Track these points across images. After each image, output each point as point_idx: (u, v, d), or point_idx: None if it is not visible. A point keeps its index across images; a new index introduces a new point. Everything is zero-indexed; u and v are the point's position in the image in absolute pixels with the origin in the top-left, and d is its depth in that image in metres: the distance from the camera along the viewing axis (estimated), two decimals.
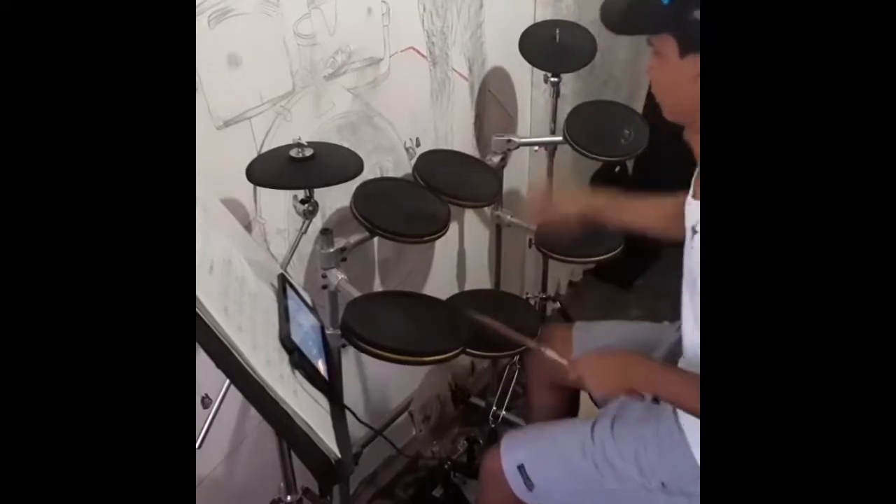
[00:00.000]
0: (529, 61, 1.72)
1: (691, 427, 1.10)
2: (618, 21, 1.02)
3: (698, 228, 0.99)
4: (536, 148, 1.87)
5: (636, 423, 1.17)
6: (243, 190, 1.27)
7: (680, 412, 1.12)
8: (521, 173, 2.15)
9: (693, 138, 1.00)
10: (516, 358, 1.88)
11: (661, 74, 0.97)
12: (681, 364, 1.17)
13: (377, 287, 1.71)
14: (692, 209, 1.05)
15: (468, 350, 1.21)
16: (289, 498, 1.07)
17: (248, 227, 1.31)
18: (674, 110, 1.00)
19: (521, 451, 1.24)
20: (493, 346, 1.41)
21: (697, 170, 1.05)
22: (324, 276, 1.24)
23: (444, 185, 1.47)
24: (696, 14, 0.87)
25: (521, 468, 1.21)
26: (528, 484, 1.20)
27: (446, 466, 1.78)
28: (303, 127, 1.34)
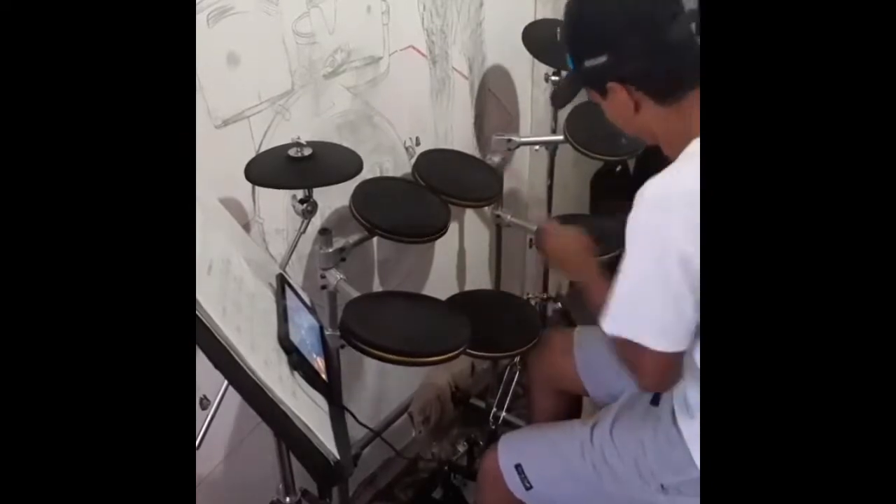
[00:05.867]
0: (534, 55, 1.71)
1: (690, 429, 1.10)
2: (560, 97, 1.21)
3: None
4: (537, 147, 1.87)
5: (635, 426, 1.17)
6: (242, 189, 1.27)
7: (678, 414, 1.12)
8: (521, 173, 2.14)
9: (664, 147, 1.03)
10: (517, 359, 1.88)
11: (609, 116, 1.05)
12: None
13: (377, 287, 1.70)
14: None
15: (468, 351, 1.21)
16: (287, 499, 1.07)
17: (246, 227, 1.30)
18: (642, 136, 1.05)
19: (518, 451, 1.23)
20: (493, 347, 1.40)
21: None
22: (323, 277, 1.24)
23: (444, 185, 1.47)
24: (587, 61, 0.99)
25: (518, 468, 1.20)
26: (526, 484, 1.20)
27: (446, 468, 1.77)
28: (302, 126, 1.33)
